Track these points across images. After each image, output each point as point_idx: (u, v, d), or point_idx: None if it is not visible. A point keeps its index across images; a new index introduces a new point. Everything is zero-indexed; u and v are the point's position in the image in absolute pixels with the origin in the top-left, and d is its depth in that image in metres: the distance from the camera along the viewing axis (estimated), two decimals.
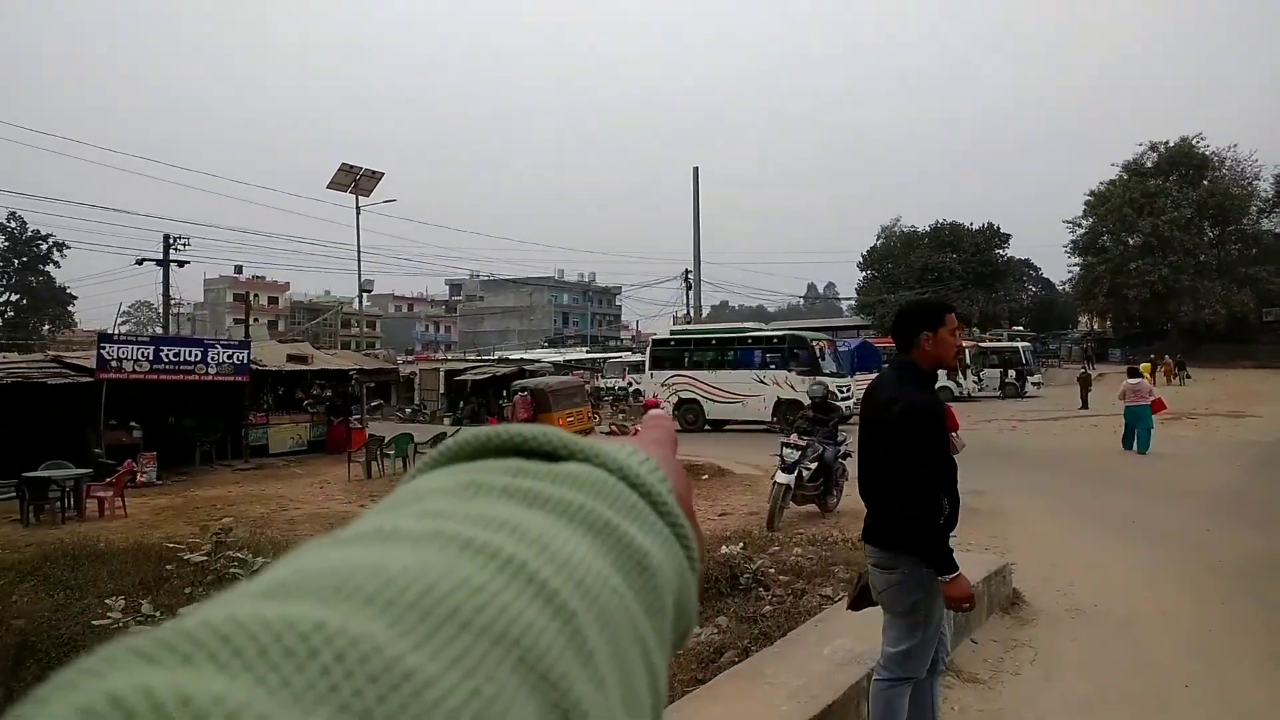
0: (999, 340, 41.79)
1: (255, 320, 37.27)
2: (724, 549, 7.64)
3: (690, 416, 22.55)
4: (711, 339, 24.08)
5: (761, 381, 22.14)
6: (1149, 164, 53.91)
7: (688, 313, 33.63)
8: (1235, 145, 61.45)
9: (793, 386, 21.37)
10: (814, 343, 22.68)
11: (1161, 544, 7.85)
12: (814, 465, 9.46)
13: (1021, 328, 56.74)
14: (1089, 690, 4.32)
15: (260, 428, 21.15)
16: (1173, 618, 5.52)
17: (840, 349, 26.21)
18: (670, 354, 23.70)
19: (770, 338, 23.68)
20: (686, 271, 33.47)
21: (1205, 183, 51.77)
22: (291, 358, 22.67)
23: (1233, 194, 51.18)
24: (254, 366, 19.59)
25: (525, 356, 44.09)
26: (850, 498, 10.94)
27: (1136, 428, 15.12)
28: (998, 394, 34.94)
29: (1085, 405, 27.72)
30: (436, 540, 0.25)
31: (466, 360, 40.84)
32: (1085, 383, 29.18)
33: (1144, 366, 20.80)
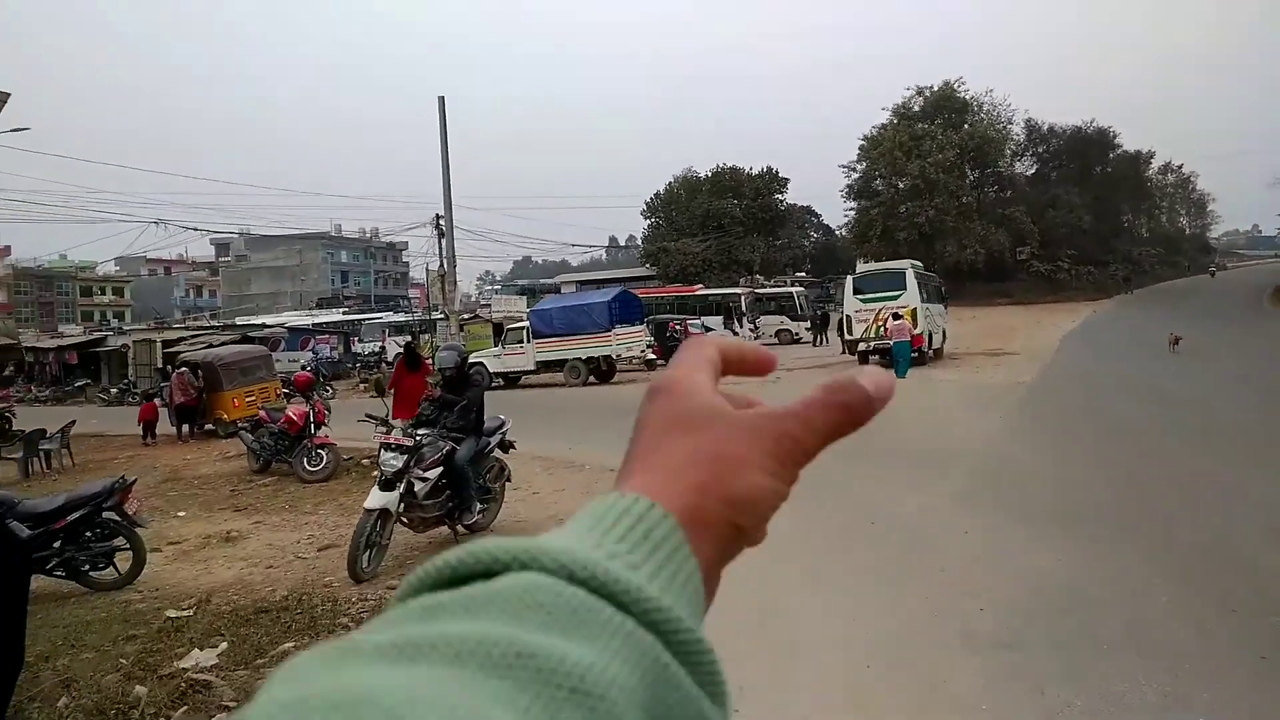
0: (786, 286, 41.12)
1: None
2: (194, 657, 4.35)
3: None
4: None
5: None
6: (916, 108, 54.97)
7: (440, 264, 29.58)
8: (991, 90, 64.55)
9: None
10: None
11: (904, 578, 5.27)
12: (432, 474, 6.28)
13: (804, 274, 57.04)
14: None
15: None
16: None
17: (594, 299, 23.42)
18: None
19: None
20: (438, 217, 29.29)
21: (966, 126, 53.33)
22: None
23: (990, 137, 53.12)
24: None
25: (260, 321, 38.40)
26: (520, 502, 8.17)
27: (900, 359, 18.00)
28: (774, 341, 33.83)
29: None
30: None
31: (187, 328, 34.80)
32: (848, 322, 28.14)
33: (906, 311, 19.74)
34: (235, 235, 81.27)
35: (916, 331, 19.52)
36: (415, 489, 6.18)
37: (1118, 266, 55.62)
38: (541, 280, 78.36)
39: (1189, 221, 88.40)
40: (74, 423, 14.39)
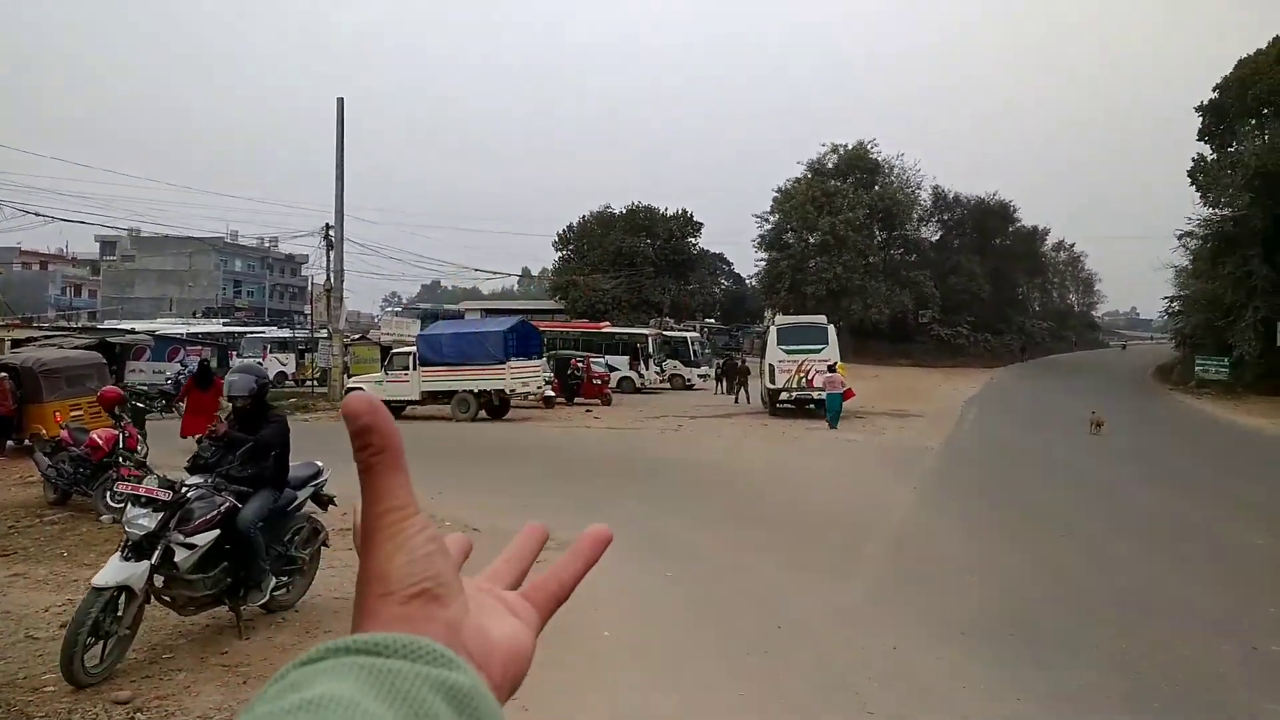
0: (684, 331, 40.49)
1: None
2: None
3: None
4: None
5: None
6: (830, 165, 55.71)
7: (327, 277, 27.53)
8: (903, 154, 66.26)
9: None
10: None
11: None
12: (202, 539, 4.73)
13: (713, 320, 56.71)
14: None
15: None
16: None
17: (489, 327, 21.94)
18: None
19: None
20: (327, 226, 27.30)
21: (876, 187, 54.34)
22: None
23: (899, 200, 54.20)
24: None
25: (127, 327, 35.26)
26: (348, 568, 6.15)
27: (832, 410, 18.81)
28: (667, 386, 33.11)
29: (738, 399, 26.04)
30: None
31: (40, 328, 31.43)
32: (742, 374, 27.42)
33: (839, 366, 20.10)
34: (123, 233, 75.91)
35: (846, 386, 19.74)
36: (176, 558, 4.60)
37: (1013, 336, 57.32)
38: (446, 306, 75.82)
39: (1077, 299, 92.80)
40: None
